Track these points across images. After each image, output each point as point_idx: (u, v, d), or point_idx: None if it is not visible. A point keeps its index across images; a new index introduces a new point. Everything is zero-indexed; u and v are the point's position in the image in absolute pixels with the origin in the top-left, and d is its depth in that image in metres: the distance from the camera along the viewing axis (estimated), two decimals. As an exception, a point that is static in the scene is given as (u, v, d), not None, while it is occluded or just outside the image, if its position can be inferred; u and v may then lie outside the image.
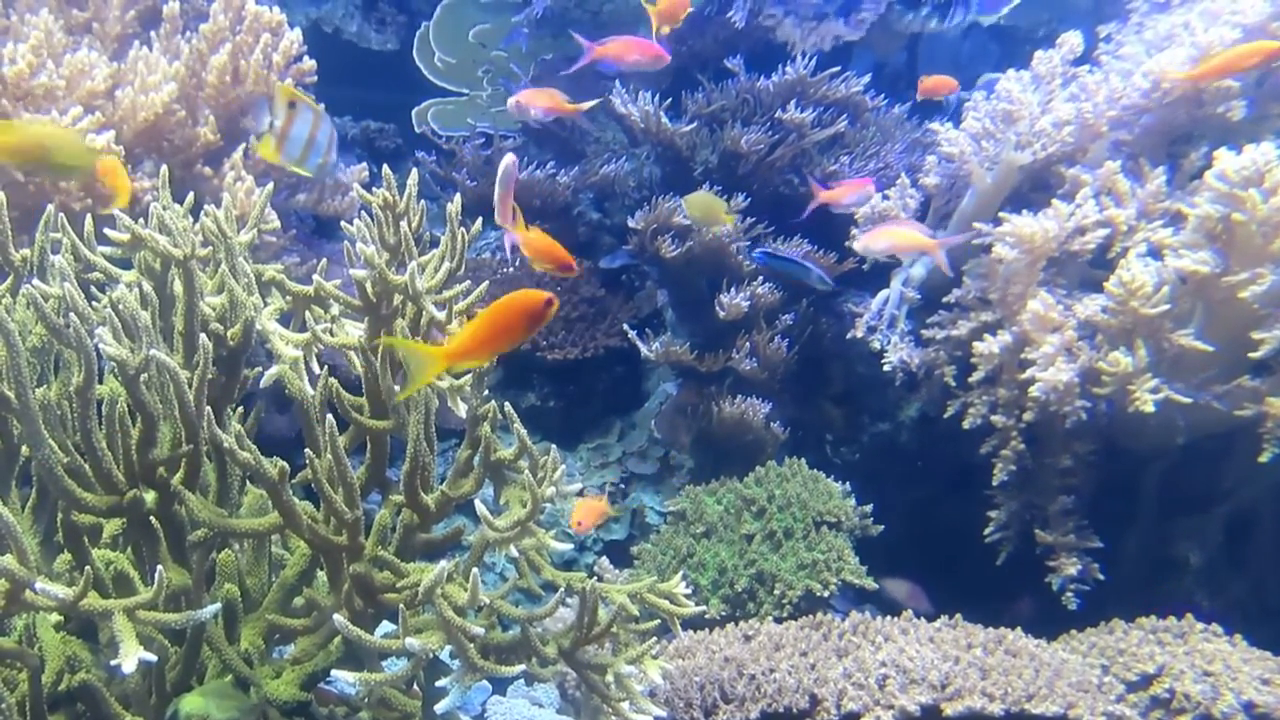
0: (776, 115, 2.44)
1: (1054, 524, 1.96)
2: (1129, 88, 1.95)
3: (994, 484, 1.98)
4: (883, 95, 2.60)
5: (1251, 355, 1.69)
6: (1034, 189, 2.09)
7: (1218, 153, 1.73)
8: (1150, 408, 1.72)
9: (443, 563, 1.09)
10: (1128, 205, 1.88)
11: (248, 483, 1.29)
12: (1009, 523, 2.02)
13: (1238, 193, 1.67)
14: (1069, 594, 1.91)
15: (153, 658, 0.95)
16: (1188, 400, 1.75)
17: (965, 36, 2.91)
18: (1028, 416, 1.90)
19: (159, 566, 0.99)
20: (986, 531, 2.03)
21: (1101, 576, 1.92)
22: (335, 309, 1.32)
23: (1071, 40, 2.08)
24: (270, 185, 1.48)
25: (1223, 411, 1.78)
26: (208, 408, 1.10)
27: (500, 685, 1.83)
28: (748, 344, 2.36)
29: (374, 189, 1.30)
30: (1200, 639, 1.67)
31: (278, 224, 1.73)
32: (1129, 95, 1.94)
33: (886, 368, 2.15)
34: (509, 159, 1.73)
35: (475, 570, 1.11)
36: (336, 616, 1.07)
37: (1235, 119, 1.84)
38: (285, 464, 1.10)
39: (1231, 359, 1.75)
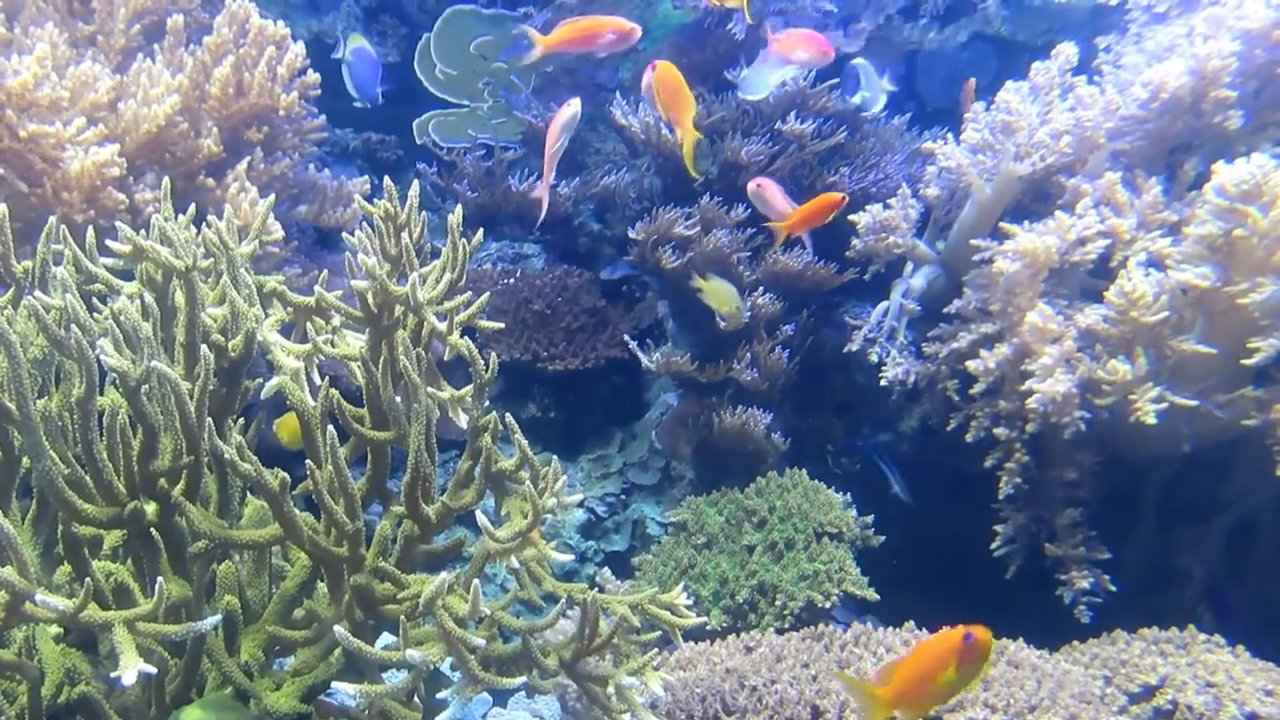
0: (776, 127, 2.45)
1: (1063, 536, 1.95)
2: (1127, 98, 1.95)
3: (1001, 497, 1.98)
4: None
5: (1245, 362, 1.69)
6: (1035, 199, 2.10)
7: (1215, 166, 1.73)
8: (1152, 419, 1.72)
9: (443, 574, 1.09)
10: (1127, 215, 1.88)
11: (248, 494, 1.29)
12: (1016, 536, 2.01)
13: (1238, 207, 1.67)
14: (1081, 607, 1.91)
15: (152, 670, 0.95)
16: (1192, 404, 1.75)
17: (964, 48, 2.92)
18: (1030, 428, 1.89)
19: (159, 578, 0.99)
20: (994, 545, 2.02)
21: (1114, 588, 1.91)
22: (336, 320, 1.32)
23: (1067, 50, 2.09)
24: (272, 197, 1.48)
25: (1225, 420, 1.78)
26: (209, 419, 1.10)
27: (501, 697, 1.82)
28: (748, 354, 2.37)
29: (375, 200, 1.30)
30: (1203, 650, 1.67)
31: (281, 234, 1.74)
32: (1127, 106, 1.95)
33: (883, 382, 2.15)
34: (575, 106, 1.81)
35: (476, 581, 1.11)
36: (337, 628, 1.07)
37: (1232, 128, 1.85)
38: (286, 475, 1.10)
39: (1232, 369, 1.75)
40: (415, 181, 1.36)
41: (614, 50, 2.04)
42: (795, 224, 2.08)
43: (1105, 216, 1.88)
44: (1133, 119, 1.95)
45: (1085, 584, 1.91)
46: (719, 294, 2.24)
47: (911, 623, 1.73)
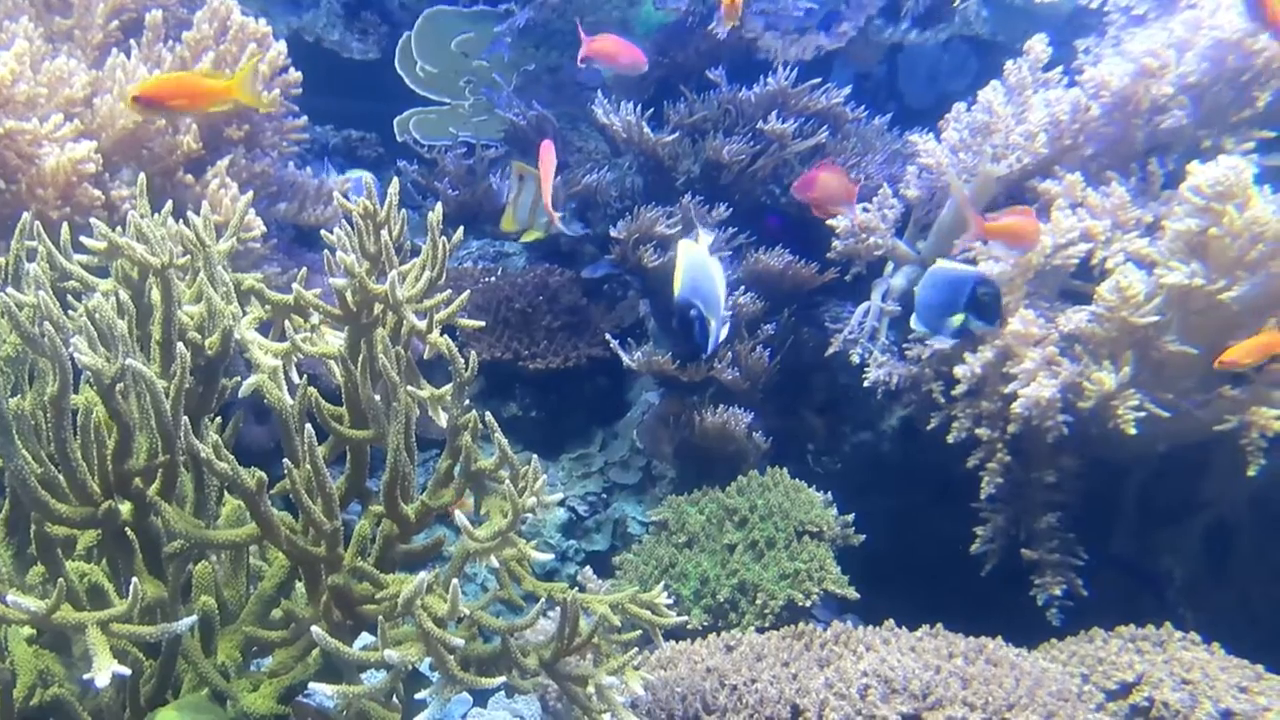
0: (758, 126, 2.45)
1: (1039, 540, 1.96)
2: (1092, 102, 1.97)
3: (982, 497, 1.99)
4: (864, 107, 2.61)
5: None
6: (1012, 201, 2.11)
7: (1190, 166, 1.75)
8: (1132, 430, 1.74)
9: (422, 574, 1.09)
10: (1102, 217, 1.89)
11: (225, 493, 1.28)
12: (995, 537, 2.02)
13: (1214, 206, 1.69)
14: (1053, 611, 1.92)
15: (126, 671, 0.94)
16: (1168, 415, 1.76)
17: (945, 48, 2.94)
18: (1012, 429, 1.90)
19: (134, 579, 0.98)
20: (974, 546, 2.03)
21: (1085, 593, 1.93)
22: (315, 318, 1.31)
23: (1037, 48, 2.09)
24: (250, 193, 1.47)
25: (1203, 420, 1.79)
26: (185, 418, 1.09)
27: (481, 697, 1.82)
28: (730, 354, 2.37)
29: (355, 198, 1.29)
30: (1178, 647, 1.68)
31: (262, 229, 1.72)
32: (1093, 109, 1.96)
33: (866, 384, 2.16)
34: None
35: (455, 581, 1.10)
36: (315, 628, 1.06)
37: (1192, 130, 1.88)
38: (263, 474, 1.09)
39: (1209, 369, 1.77)
40: (395, 179, 1.35)
41: None
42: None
43: (1083, 219, 1.90)
44: (1098, 121, 1.96)
45: (1058, 589, 1.93)
46: None
47: (891, 621, 1.73)
